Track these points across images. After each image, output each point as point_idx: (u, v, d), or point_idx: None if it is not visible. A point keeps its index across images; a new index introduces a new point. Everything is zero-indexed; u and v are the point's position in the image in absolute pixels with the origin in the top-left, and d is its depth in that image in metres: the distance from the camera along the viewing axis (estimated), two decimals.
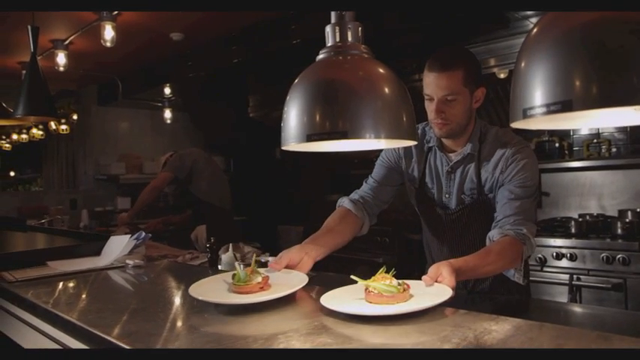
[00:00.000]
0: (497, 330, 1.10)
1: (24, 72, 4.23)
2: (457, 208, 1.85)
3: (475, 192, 1.80)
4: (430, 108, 1.72)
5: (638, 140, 3.66)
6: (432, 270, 1.41)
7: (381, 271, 1.33)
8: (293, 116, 1.07)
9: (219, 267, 2.14)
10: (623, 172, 3.72)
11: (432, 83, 1.68)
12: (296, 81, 1.11)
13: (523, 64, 0.77)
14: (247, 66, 4.36)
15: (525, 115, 0.74)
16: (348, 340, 1.09)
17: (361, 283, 1.32)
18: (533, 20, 3.26)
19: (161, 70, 4.91)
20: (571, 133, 3.97)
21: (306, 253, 1.63)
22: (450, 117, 1.69)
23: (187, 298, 1.44)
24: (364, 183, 2.04)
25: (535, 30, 0.78)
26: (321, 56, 1.13)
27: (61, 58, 3.99)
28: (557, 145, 3.93)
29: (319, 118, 1.03)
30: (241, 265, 1.46)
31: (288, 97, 1.10)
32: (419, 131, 1.93)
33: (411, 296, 1.29)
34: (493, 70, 3.67)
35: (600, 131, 3.84)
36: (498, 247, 1.58)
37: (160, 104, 5.93)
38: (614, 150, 3.75)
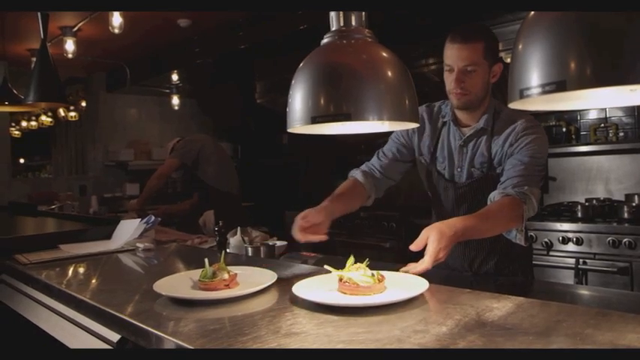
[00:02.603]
0: (499, 307, 1.13)
1: (33, 59, 4.30)
2: (467, 181, 1.87)
3: (485, 166, 1.83)
4: (450, 78, 1.77)
5: None
6: (421, 235, 1.45)
7: (350, 262, 1.32)
8: (298, 99, 1.09)
9: (228, 250, 2.18)
10: (630, 156, 3.71)
11: (453, 55, 1.73)
12: (301, 65, 1.14)
13: (520, 46, 0.79)
14: (254, 52, 4.37)
15: (522, 95, 0.76)
16: (351, 330, 1.12)
17: (335, 273, 1.31)
18: None
19: (169, 56, 4.93)
20: (578, 118, 3.96)
21: (326, 215, 1.71)
22: (468, 87, 1.74)
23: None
24: (375, 156, 2.08)
25: (532, 12, 0.79)
26: (325, 40, 1.15)
27: (70, 45, 4.02)
28: (564, 129, 3.92)
29: (324, 100, 1.06)
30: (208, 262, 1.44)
31: (293, 81, 1.13)
32: (435, 108, 1.98)
33: (385, 288, 1.27)
34: (500, 54, 3.65)
35: (607, 115, 3.83)
36: (497, 205, 1.61)
37: (167, 91, 5.96)
38: (621, 134, 3.74)
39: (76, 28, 3.93)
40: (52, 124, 7.28)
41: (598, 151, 3.78)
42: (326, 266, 1.34)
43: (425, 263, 1.40)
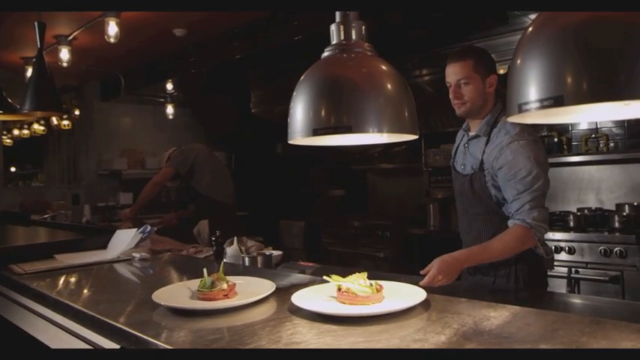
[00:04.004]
0: (496, 316, 1.15)
1: (27, 67, 4.30)
2: (465, 175, 2.12)
3: (477, 167, 2.06)
4: (450, 92, 2.05)
5: (635, 135, 3.70)
6: (432, 262, 1.77)
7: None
8: (299, 111, 1.11)
9: (225, 260, 2.19)
10: (620, 166, 3.76)
11: (449, 72, 2.03)
12: (302, 78, 1.16)
13: (518, 62, 0.81)
14: (249, 62, 4.39)
15: (520, 109, 0.78)
16: (350, 339, 1.13)
17: (334, 283, 1.33)
18: (533, 17, 3.28)
19: (163, 65, 4.93)
20: (570, 128, 4.01)
21: None
22: (464, 98, 2.02)
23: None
24: None
25: (530, 29, 0.82)
26: (326, 54, 1.17)
27: (64, 54, 4.00)
28: (555, 139, 3.96)
29: (325, 113, 1.07)
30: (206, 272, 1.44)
31: (294, 93, 1.15)
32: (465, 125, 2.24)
33: (383, 298, 1.29)
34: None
35: (598, 126, 3.88)
36: (503, 235, 1.90)
37: (162, 100, 5.95)
38: (611, 145, 3.79)
39: (71, 37, 3.92)
40: (44, 133, 7.24)
41: (589, 162, 3.83)
42: (325, 277, 1.35)
43: (422, 282, 1.67)
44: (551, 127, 4.00)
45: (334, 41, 1.16)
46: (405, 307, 1.19)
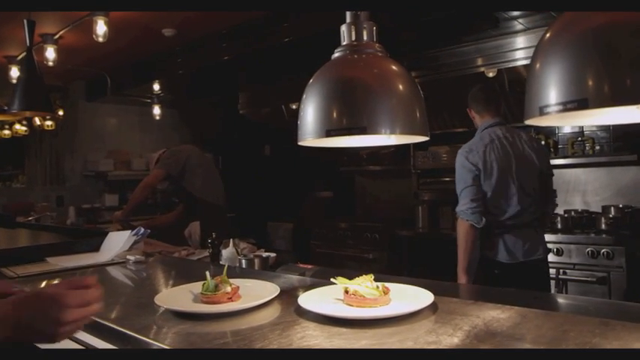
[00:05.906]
0: (505, 318, 1.15)
1: (10, 66, 4.22)
2: None
3: None
4: None
5: (620, 138, 3.77)
6: None
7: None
8: (311, 112, 1.10)
9: (221, 262, 2.17)
10: (606, 169, 3.83)
11: None
12: (312, 79, 1.15)
13: (538, 65, 0.82)
14: (238, 63, 4.36)
15: (542, 112, 0.79)
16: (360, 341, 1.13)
17: (341, 285, 1.32)
18: (522, 21, 3.33)
19: (151, 66, 4.88)
20: (556, 131, 4.06)
21: None
22: None
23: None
24: None
25: (549, 33, 0.82)
26: (336, 54, 1.16)
27: (50, 53, 3.93)
28: (542, 142, 4.01)
29: (338, 114, 1.07)
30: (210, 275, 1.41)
31: (304, 95, 1.14)
32: None
33: (391, 300, 1.29)
34: (481, 69, 3.75)
35: (584, 129, 3.95)
36: None
37: (149, 100, 5.88)
38: (597, 148, 3.85)
39: (57, 36, 3.85)
40: (26, 133, 7.09)
41: (575, 164, 3.89)
42: (332, 279, 1.35)
43: None
44: (538, 130, 4.05)
45: (345, 42, 1.16)
46: (415, 309, 1.19)
